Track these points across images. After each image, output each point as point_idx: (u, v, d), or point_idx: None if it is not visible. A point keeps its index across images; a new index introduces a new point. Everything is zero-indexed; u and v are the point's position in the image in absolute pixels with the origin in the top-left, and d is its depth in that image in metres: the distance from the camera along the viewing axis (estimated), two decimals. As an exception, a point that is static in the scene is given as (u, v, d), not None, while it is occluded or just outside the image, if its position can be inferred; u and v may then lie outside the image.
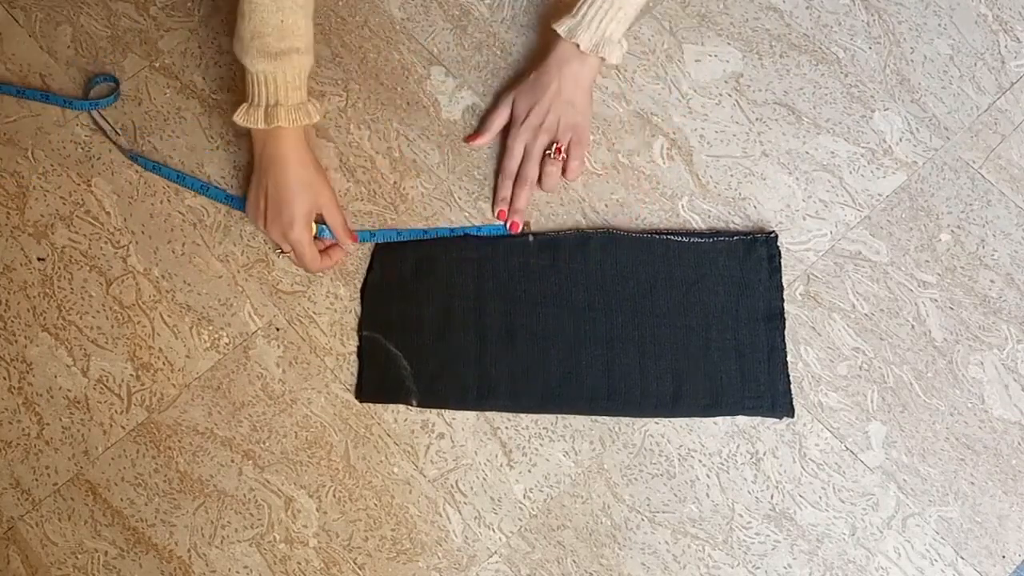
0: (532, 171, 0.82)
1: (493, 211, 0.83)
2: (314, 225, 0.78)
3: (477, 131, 0.85)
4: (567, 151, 0.82)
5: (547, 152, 0.82)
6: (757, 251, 0.81)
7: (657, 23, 0.90)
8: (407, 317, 0.80)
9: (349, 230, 0.80)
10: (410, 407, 0.78)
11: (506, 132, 0.84)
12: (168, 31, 0.90)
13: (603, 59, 0.80)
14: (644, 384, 0.78)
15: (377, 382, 0.78)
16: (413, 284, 0.81)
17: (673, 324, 0.79)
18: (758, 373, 0.78)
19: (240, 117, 0.75)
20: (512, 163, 0.83)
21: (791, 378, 0.79)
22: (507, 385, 0.78)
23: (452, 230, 0.82)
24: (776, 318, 0.79)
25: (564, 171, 0.83)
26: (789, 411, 0.77)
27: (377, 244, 0.82)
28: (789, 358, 0.79)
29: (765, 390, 0.78)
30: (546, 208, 0.84)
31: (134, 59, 0.89)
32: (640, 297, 0.80)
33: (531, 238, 0.82)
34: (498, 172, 0.84)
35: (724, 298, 0.80)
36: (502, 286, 0.80)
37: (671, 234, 0.81)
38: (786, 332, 0.79)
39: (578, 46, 0.79)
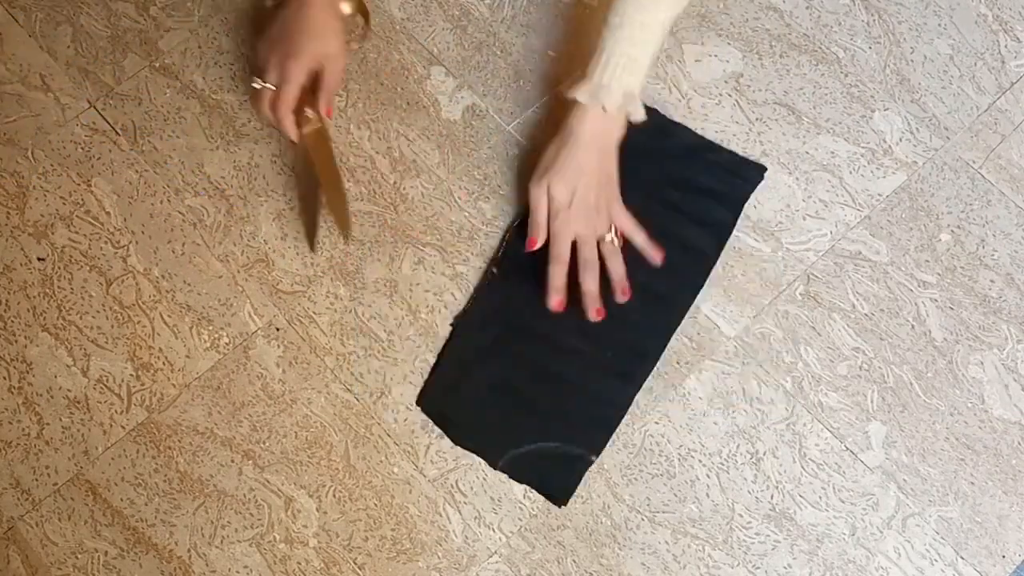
0: (592, 255, 0.76)
1: (548, 302, 0.77)
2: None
3: (530, 235, 0.78)
4: (622, 232, 0.78)
5: (605, 238, 0.77)
6: (742, 171, 0.85)
7: (657, 23, 0.90)
8: (510, 416, 0.79)
9: (329, 103, 0.77)
10: (592, 463, 0.77)
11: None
12: (168, 31, 0.90)
13: (629, 118, 0.76)
14: (670, 279, 0.80)
15: (559, 476, 0.77)
16: (484, 391, 0.79)
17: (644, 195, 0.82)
18: (715, 176, 0.84)
19: None
20: (564, 248, 0.76)
21: (794, 378, 0.79)
22: (615, 366, 0.79)
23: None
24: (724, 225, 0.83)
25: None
26: (760, 169, 0.84)
27: (425, 402, 0.79)
28: (789, 358, 0.80)
29: (731, 178, 0.84)
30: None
31: (134, 59, 0.89)
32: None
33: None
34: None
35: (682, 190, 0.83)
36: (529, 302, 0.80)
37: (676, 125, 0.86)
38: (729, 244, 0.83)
39: (604, 109, 0.74)
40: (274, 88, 0.75)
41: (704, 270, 0.81)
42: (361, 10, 0.84)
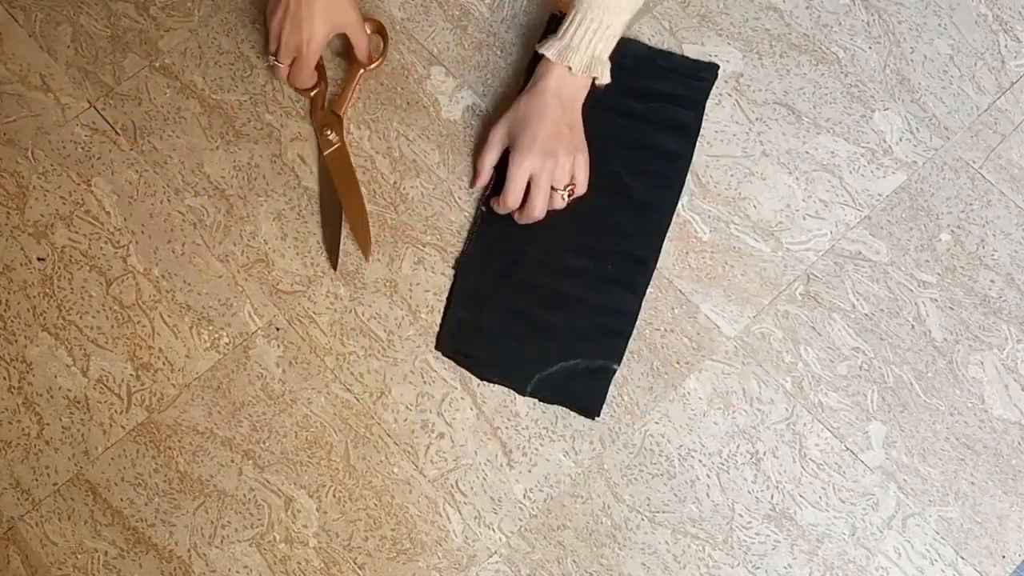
0: (540, 204, 0.79)
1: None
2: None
3: (474, 174, 0.83)
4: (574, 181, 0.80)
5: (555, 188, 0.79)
6: (698, 72, 0.87)
7: (657, 23, 0.90)
8: (522, 345, 0.80)
9: (370, 53, 0.84)
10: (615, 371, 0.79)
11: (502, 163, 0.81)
12: (168, 31, 0.90)
13: (594, 80, 0.79)
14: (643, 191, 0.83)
15: (587, 390, 0.79)
16: (495, 322, 0.81)
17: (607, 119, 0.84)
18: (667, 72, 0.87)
19: None
20: (515, 194, 0.79)
21: (794, 378, 0.79)
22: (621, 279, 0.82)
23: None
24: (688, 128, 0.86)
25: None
26: (713, 67, 0.87)
27: (442, 347, 0.81)
28: (789, 358, 0.80)
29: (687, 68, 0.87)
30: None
31: (134, 59, 0.89)
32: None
33: None
34: (487, 199, 0.82)
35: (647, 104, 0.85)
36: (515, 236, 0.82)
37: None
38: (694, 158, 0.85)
39: (570, 68, 0.77)
40: (285, 64, 0.81)
41: (682, 171, 0.85)
42: (379, 31, 0.88)
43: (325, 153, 0.84)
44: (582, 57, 0.77)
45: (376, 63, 0.87)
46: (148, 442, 0.78)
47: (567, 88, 0.79)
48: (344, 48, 0.87)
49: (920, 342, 0.80)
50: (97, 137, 0.86)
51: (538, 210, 0.79)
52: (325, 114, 0.85)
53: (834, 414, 0.78)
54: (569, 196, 0.80)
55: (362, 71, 0.86)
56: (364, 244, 0.82)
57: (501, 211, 0.80)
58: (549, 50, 0.78)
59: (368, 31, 0.85)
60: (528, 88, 0.80)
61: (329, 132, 0.84)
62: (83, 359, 0.80)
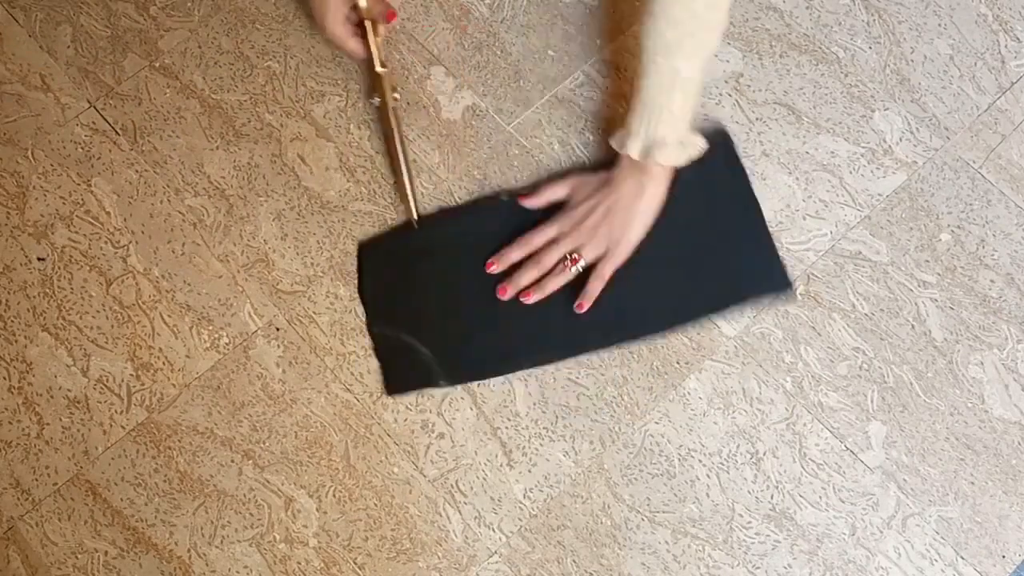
0: (549, 260, 0.78)
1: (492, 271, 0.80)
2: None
3: (533, 192, 0.82)
4: (590, 264, 0.78)
5: (566, 256, 0.78)
6: (712, 154, 0.79)
7: (657, 23, 0.90)
8: (411, 305, 0.81)
9: (386, 9, 0.84)
10: (439, 386, 0.79)
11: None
12: (168, 31, 0.90)
13: (661, 164, 0.76)
14: (648, 300, 0.79)
15: (402, 372, 0.79)
16: (409, 273, 0.81)
17: (655, 244, 0.79)
18: (745, 255, 0.81)
19: None
20: (537, 240, 0.79)
21: (794, 378, 0.79)
22: (527, 339, 0.79)
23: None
24: (747, 201, 0.82)
25: (583, 292, 0.78)
26: (786, 283, 0.80)
27: (360, 245, 0.82)
28: (789, 358, 0.80)
29: (757, 269, 0.81)
30: (546, 208, 0.84)
31: (134, 59, 0.89)
32: None
33: (505, 197, 0.83)
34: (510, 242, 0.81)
35: (690, 206, 0.80)
36: (496, 251, 0.81)
37: None
38: (764, 215, 0.82)
39: (630, 156, 0.76)
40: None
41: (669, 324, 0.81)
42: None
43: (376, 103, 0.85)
44: (639, 142, 0.75)
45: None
46: (148, 442, 0.78)
47: (636, 177, 0.76)
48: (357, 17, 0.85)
49: (920, 342, 0.80)
50: (97, 137, 0.86)
51: (543, 264, 0.79)
52: (370, 78, 0.86)
53: (834, 414, 0.78)
54: (571, 262, 0.78)
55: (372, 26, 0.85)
56: (407, 206, 0.83)
57: (518, 249, 0.80)
58: (613, 140, 0.77)
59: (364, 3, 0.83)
60: (612, 174, 0.78)
61: (374, 95, 0.84)
62: (83, 359, 0.80)
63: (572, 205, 0.79)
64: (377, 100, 0.84)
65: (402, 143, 0.83)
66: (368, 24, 0.82)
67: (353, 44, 0.82)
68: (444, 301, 0.81)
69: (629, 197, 0.77)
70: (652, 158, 0.74)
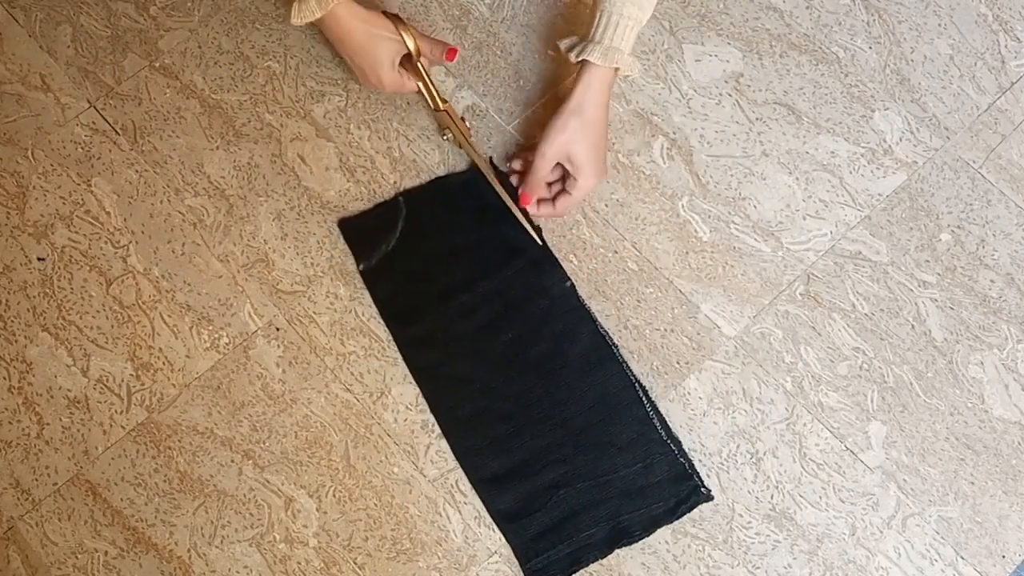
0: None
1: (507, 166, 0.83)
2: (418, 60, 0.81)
3: (524, 189, 0.80)
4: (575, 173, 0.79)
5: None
6: (682, 485, 0.75)
7: (657, 23, 0.90)
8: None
9: (444, 49, 0.82)
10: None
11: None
12: (168, 31, 0.90)
13: (619, 70, 0.77)
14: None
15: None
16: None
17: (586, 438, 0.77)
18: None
19: (295, 17, 0.76)
20: (543, 175, 0.79)
21: (794, 378, 0.79)
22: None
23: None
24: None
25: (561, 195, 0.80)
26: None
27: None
28: (789, 358, 0.80)
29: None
30: (546, 208, 0.84)
31: (134, 59, 0.89)
32: (564, 386, 0.78)
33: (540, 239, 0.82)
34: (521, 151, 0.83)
35: (633, 477, 0.76)
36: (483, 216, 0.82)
37: (641, 388, 0.78)
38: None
39: (617, 70, 0.76)
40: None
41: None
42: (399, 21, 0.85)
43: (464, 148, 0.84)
44: (625, 57, 0.75)
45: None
46: (148, 442, 0.78)
47: (606, 90, 0.77)
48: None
49: (920, 342, 0.80)
50: (97, 137, 0.86)
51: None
52: (434, 117, 0.86)
53: (834, 414, 0.78)
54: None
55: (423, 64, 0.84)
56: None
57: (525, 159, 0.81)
58: (594, 56, 0.75)
59: (411, 35, 0.81)
60: (580, 104, 0.76)
61: (445, 132, 0.84)
62: (83, 359, 0.80)
63: (583, 165, 0.78)
64: (448, 135, 0.84)
65: (491, 169, 0.82)
66: (420, 64, 0.81)
67: (411, 87, 0.82)
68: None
69: (605, 114, 0.78)
70: (618, 67, 0.76)
